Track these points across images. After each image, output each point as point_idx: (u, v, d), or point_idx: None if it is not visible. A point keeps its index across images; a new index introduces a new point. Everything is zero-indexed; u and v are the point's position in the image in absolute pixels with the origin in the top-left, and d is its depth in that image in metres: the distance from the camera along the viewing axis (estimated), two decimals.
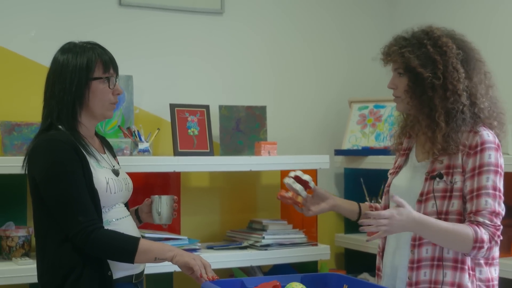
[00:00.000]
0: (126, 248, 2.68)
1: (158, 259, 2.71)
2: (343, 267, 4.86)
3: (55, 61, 2.80)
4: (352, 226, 4.51)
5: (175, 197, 3.09)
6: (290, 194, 2.90)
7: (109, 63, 2.80)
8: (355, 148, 4.73)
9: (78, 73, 2.73)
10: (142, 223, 3.14)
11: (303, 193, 2.87)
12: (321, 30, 4.96)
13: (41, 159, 2.71)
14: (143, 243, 2.69)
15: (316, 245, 4.36)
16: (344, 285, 2.61)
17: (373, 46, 2.96)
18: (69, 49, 2.80)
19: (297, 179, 2.88)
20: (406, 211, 2.57)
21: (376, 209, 3.02)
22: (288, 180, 2.87)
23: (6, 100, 4.06)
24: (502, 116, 2.77)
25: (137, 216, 3.12)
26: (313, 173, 4.37)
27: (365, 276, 4.44)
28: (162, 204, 3.02)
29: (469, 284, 2.66)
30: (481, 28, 4.45)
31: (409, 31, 2.80)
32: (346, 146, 4.78)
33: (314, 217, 4.37)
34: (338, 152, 4.79)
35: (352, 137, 4.78)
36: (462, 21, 4.55)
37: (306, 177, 2.88)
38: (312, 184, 2.89)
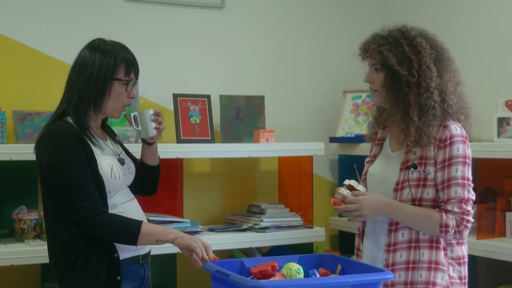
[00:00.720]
0: (129, 231, 2.69)
1: (160, 241, 2.71)
2: (337, 248, 4.89)
3: (83, 56, 2.82)
4: None
5: (156, 110, 3.00)
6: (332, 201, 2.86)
7: (131, 68, 2.82)
8: (348, 135, 4.74)
9: (104, 71, 2.76)
10: (154, 164, 3.10)
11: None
12: (317, 25, 4.97)
13: (47, 149, 2.73)
14: (145, 226, 2.70)
15: (311, 227, 4.37)
16: (338, 265, 2.63)
17: (365, 37, 2.98)
18: (98, 46, 2.82)
19: (350, 187, 2.86)
20: (372, 196, 2.78)
21: None
22: (340, 188, 2.87)
23: (18, 90, 4.07)
24: (468, 111, 2.89)
25: (143, 165, 3.08)
26: (309, 159, 4.40)
27: (355, 257, 4.46)
28: (140, 120, 2.97)
29: (444, 261, 2.78)
30: (466, 21, 4.47)
31: (385, 29, 2.88)
32: (340, 133, 4.79)
33: (310, 201, 4.39)
34: (333, 140, 4.80)
35: (346, 125, 4.80)
36: (451, 13, 4.57)
37: (360, 187, 2.86)
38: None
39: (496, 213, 3.90)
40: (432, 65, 2.79)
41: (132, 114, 2.98)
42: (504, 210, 3.92)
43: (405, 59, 2.78)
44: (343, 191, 2.84)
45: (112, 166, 2.78)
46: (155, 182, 3.16)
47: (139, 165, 3.07)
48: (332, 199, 2.86)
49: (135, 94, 2.87)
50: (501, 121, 3.83)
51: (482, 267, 4.20)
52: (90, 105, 2.78)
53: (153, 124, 2.97)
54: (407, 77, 2.77)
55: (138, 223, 2.71)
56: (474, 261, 4.02)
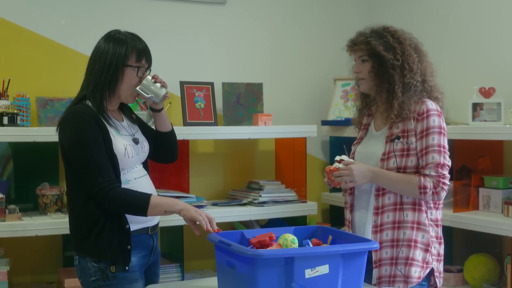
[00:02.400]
0: (139, 203, 2.69)
1: (167, 212, 2.71)
2: (328, 221, 4.88)
3: (99, 45, 2.82)
4: None
5: (154, 74, 2.88)
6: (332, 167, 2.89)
7: (142, 55, 2.81)
8: (339, 119, 4.73)
9: (116, 59, 2.75)
10: (168, 130, 3.05)
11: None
12: (311, 19, 4.94)
13: (67, 129, 2.74)
14: (154, 199, 2.70)
15: (305, 202, 4.37)
16: (329, 236, 2.63)
17: (354, 32, 3.00)
18: (113, 36, 2.81)
19: (341, 161, 2.89)
20: (361, 164, 2.85)
21: None
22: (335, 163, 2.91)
23: (41, 79, 4.07)
24: (442, 95, 2.96)
25: (158, 134, 3.04)
26: (302, 140, 4.40)
27: (346, 228, 4.47)
28: (147, 87, 2.83)
29: (426, 221, 2.85)
30: (444, 16, 4.47)
31: (367, 29, 2.97)
32: (331, 117, 4.79)
33: (304, 178, 4.39)
34: (324, 123, 4.80)
35: (336, 110, 4.79)
36: (430, 10, 4.56)
37: (350, 160, 2.91)
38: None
39: (471, 188, 3.91)
40: (413, 52, 2.88)
41: (136, 89, 2.82)
42: (477, 186, 3.93)
43: (390, 46, 2.87)
44: (336, 164, 2.88)
45: (126, 146, 2.78)
46: (173, 148, 3.11)
47: (155, 135, 3.04)
48: (329, 167, 2.89)
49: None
50: (475, 106, 3.85)
51: (458, 238, 4.22)
52: (105, 90, 2.78)
53: (158, 85, 2.87)
54: (392, 61, 2.85)
55: (148, 196, 2.71)
56: (450, 232, 4.05)
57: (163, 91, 2.89)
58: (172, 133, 3.09)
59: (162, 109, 3.02)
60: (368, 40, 2.89)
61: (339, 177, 2.85)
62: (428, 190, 2.78)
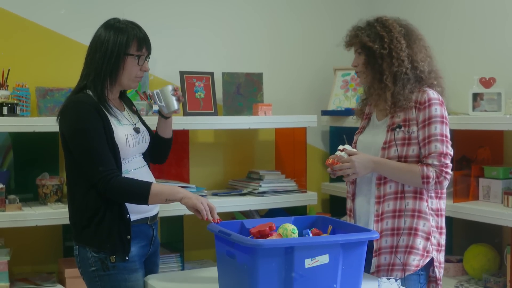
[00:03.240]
0: (140, 191, 2.68)
1: (168, 200, 2.71)
2: (328, 211, 4.90)
3: (99, 34, 2.80)
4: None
5: (175, 85, 3.01)
6: (330, 161, 2.88)
7: (143, 44, 2.80)
8: (339, 109, 4.73)
9: (118, 48, 2.74)
10: (168, 137, 3.09)
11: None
12: (311, 10, 4.94)
13: (68, 118, 2.73)
14: (154, 187, 2.70)
15: (305, 192, 4.37)
16: (329, 226, 2.65)
17: (354, 21, 2.99)
18: (113, 25, 2.80)
19: (343, 150, 2.88)
20: (362, 155, 2.85)
21: None
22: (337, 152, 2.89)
23: (41, 69, 4.07)
24: (440, 80, 2.94)
25: (157, 137, 3.07)
26: (302, 130, 4.40)
27: (346, 218, 4.48)
28: (163, 95, 2.94)
29: (426, 210, 2.84)
30: (446, 6, 4.46)
31: (363, 20, 2.97)
32: (331, 107, 4.79)
33: (304, 168, 4.39)
34: (324, 113, 4.80)
35: (336, 100, 4.79)
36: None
37: (352, 150, 2.88)
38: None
39: (471, 179, 3.92)
40: (401, 38, 2.86)
41: (154, 92, 2.96)
42: (477, 176, 3.94)
43: (377, 36, 2.87)
44: (338, 153, 2.87)
45: (127, 136, 2.77)
46: (167, 152, 3.15)
47: (154, 136, 3.06)
48: (330, 160, 2.88)
49: (147, 68, 2.86)
50: (476, 96, 3.84)
51: (458, 228, 4.22)
52: (106, 78, 2.77)
53: (174, 98, 2.96)
54: (379, 50, 2.85)
55: (148, 184, 2.71)
56: (450, 222, 4.06)
57: (175, 106, 2.96)
58: (170, 140, 3.12)
59: (170, 117, 3.06)
60: (356, 33, 2.91)
61: (341, 170, 2.84)
62: (431, 180, 2.77)
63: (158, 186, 2.73)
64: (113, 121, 2.76)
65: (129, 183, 2.71)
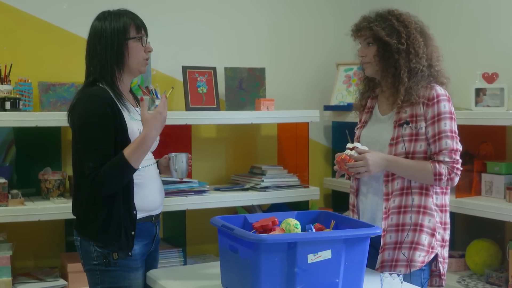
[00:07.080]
0: (121, 166, 2.62)
1: (146, 149, 2.66)
2: (330, 206, 4.90)
3: (94, 27, 2.80)
4: None
5: (190, 154, 3.03)
6: (343, 156, 2.84)
7: (140, 25, 2.81)
8: (341, 104, 4.73)
9: (117, 35, 2.74)
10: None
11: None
12: (313, 3, 4.93)
13: (80, 110, 2.71)
14: (126, 151, 2.63)
15: (307, 187, 4.38)
16: (332, 221, 2.64)
17: (356, 16, 2.99)
18: (104, 17, 2.80)
19: (354, 149, 2.85)
20: (375, 153, 2.81)
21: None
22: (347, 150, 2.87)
23: (43, 63, 4.07)
24: (447, 81, 2.94)
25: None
26: (305, 125, 4.40)
27: (348, 213, 4.47)
28: (178, 161, 2.97)
29: (432, 206, 2.85)
30: (450, 2, 4.45)
31: (373, 12, 2.93)
32: (333, 102, 4.79)
33: (306, 163, 4.40)
34: (327, 108, 4.80)
35: (339, 95, 4.79)
36: None
37: (364, 147, 2.85)
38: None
39: (473, 174, 3.92)
40: (418, 36, 2.85)
41: (170, 155, 2.99)
42: (480, 171, 3.94)
43: (394, 31, 2.84)
44: (348, 152, 2.85)
45: (140, 131, 2.72)
46: None
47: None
48: (342, 155, 2.84)
49: (151, 48, 2.85)
50: (478, 92, 3.84)
51: (460, 223, 4.22)
52: (114, 68, 2.75)
53: (186, 166, 2.99)
54: (397, 45, 2.82)
55: (121, 155, 2.63)
56: (452, 218, 4.04)
57: (184, 174, 3.00)
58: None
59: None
60: (370, 26, 2.86)
61: (353, 168, 2.81)
62: (443, 177, 2.77)
63: (129, 149, 2.64)
64: (126, 117, 2.74)
65: (109, 168, 2.62)
